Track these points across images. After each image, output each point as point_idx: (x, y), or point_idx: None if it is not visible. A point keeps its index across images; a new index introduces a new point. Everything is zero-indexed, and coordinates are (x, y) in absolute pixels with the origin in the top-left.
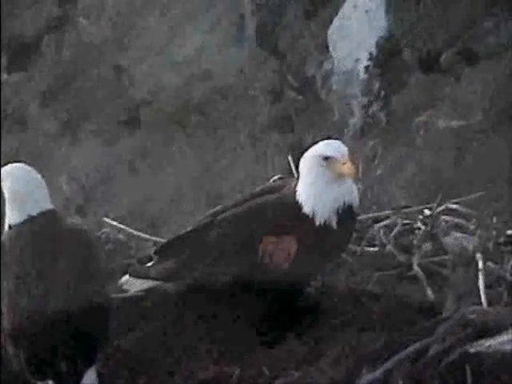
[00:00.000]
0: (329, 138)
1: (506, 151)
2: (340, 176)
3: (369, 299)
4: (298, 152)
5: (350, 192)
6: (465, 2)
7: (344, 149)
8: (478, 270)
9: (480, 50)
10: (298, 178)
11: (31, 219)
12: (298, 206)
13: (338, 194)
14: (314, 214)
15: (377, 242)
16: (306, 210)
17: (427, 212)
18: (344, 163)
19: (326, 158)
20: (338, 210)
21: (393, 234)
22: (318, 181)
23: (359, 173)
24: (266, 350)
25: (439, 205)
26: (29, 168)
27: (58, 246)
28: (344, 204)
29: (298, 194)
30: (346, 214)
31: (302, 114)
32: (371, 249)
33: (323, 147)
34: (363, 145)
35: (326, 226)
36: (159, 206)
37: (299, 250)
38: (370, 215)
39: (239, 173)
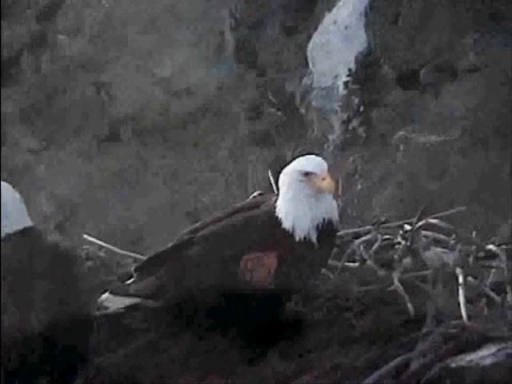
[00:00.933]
0: (309, 153)
1: (486, 166)
2: (319, 191)
3: (350, 314)
4: (278, 168)
5: (329, 207)
6: (444, 18)
7: (324, 164)
8: (458, 284)
9: (460, 65)
10: (277, 194)
11: (8, 237)
12: (277, 222)
13: (317, 210)
14: (293, 229)
15: (357, 258)
16: (286, 225)
17: (407, 227)
18: (323, 178)
19: (306, 174)
20: (318, 225)
21: (373, 249)
22: (298, 196)
23: (339, 189)
24: (248, 367)
25: (419, 220)
26: (6, 185)
27: (37, 264)
28: (324, 220)
29: (277, 209)
30: (326, 229)
31: (281, 130)
32: (352, 264)
33: (303, 162)
34: (343, 160)
35: (306, 242)
36: (140, 223)
37: (280, 266)
38: (351, 231)
39: (220, 189)
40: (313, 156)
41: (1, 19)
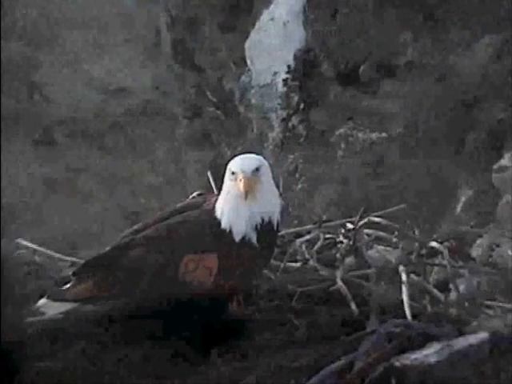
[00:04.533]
0: (248, 152)
1: (426, 164)
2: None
3: (293, 315)
4: (218, 168)
5: (268, 207)
6: (382, 15)
7: (246, 165)
8: (401, 282)
9: (398, 62)
10: (218, 194)
11: None
12: (216, 223)
13: (253, 210)
14: (231, 229)
15: (299, 257)
16: (224, 225)
17: (349, 226)
18: (240, 180)
19: (233, 173)
20: (257, 226)
21: (315, 248)
22: (230, 196)
23: (253, 192)
24: (190, 369)
25: (361, 218)
26: None
27: None
28: (262, 220)
29: (216, 209)
30: (266, 229)
31: (221, 129)
32: (294, 264)
33: (233, 160)
34: (283, 159)
35: (245, 243)
36: (78, 227)
37: (221, 267)
38: (292, 230)
39: (158, 191)
40: (246, 155)
41: (1, 21)
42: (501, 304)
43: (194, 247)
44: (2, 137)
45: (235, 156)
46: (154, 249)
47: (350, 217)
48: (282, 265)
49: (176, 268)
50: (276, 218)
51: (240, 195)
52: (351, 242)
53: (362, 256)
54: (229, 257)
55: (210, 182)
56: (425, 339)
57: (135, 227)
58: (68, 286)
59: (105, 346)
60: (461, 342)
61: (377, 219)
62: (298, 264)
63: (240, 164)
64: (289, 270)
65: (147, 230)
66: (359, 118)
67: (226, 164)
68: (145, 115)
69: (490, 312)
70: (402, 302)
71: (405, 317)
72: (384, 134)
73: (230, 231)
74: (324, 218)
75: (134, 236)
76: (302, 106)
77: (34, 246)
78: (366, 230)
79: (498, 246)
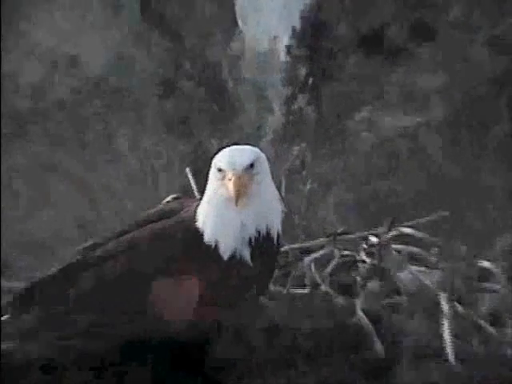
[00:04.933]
0: (236, 143)
1: (476, 155)
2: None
3: (298, 357)
4: (200, 163)
5: (265, 215)
6: None
7: (238, 159)
8: (442, 314)
9: (437, 23)
10: (201, 198)
11: None
12: (198, 236)
13: (246, 218)
14: (217, 245)
15: (307, 281)
16: (208, 239)
17: (373, 239)
18: (229, 179)
19: (220, 170)
20: (251, 239)
21: (328, 269)
22: (216, 200)
23: (246, 195)
24: None
25: (389, 229)
26: None
27: None
28: (258, 232)
29: (197, 218)
30: (263, 244)
31: (203, 112)
32: (300, 290)
33: (219, 154)
34: (286, 152)
35: (236, 262)
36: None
37: (203, 293)
38: (298, 245)
39: (121, 192)
40: (236, 147)
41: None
42: None
43: (167, 269)
44: None
45: (222, 148)
46: (117, 269)
47: (374, 227)
48: (284, 290)
49: (144, 297)
50: (276, 229)
51: (229, 199)
52: (376, 261)
53: (389, 279)
54: (214, 280)
55: (189, 182)
56: None
57: (91, 241)
58: (4, 318)
59: None
60: None
61: (409, 230)
62: (306, 290)
63: (229, 158)
64: (294, 298)
65: (108, 245)
66: (387, 97)
67: (211, 158)
68: (100, 93)
69: None
70: (443, 339)
71: (446, 360)
72: (419, 119)
73: (216, 247)
74: (340, 229)
75: (88, 253)
76: (310, 81)
77: None
78: (396, 246)
79: None
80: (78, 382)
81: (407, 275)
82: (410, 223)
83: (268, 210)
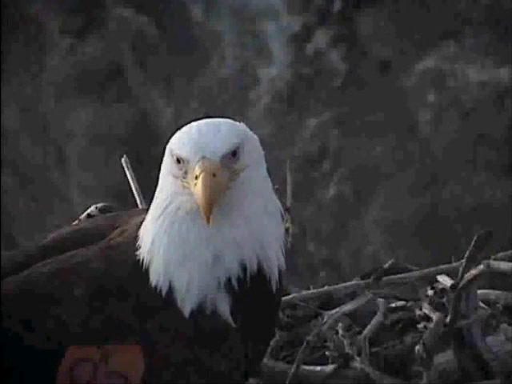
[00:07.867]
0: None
1: None
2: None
3: None
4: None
5: (256, 240)
6: None
7: (212, 143)
8: None
9: None
10: (147, 209)
11: None
12: (140, 274)
13: (223, 245)
14: (171, 289)
15: (331, 353)
16: (156, 280)
17: (443, 280)
18: (196, 177)
19: (179, 162)
20: (230, 280)
21: (366, 332)
22: (172, 212)
23: (223, 205)
24: None
25: (471, 263)
26: None
27: None
28: (243, 268)
29: (140, 243)
30: (252, 289)
31: (152, 60)
32: (318, 368)
33: (177, 134)
34: (294, 127)
35: (205, 319)
36: None
37: (150, 370)
38: (315, 292)
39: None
40: (208, 120)
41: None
42: None
43: (87, 333)
44: None
45: (186, 124)
46: (7, 331)
47: (448, 262)
48: (292, 369)
49: (52, 371)
50: (275, 262)
51: (194, 212)
52: (448, 318)
53: (473, 347)
54: (166, 353)
55: (127, 181)
56: None
57: None
58: None
59: None
60: None
61: (506, 266)
62: (329, 368)
63: (196, 141)
64: (308, 382)
65: None
66: (459, 39)
67: (166, 142)
68: None
69: None
70: None
71: None
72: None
73: (171, 294)
74: (386, 263)
75: None
76: (338, 4)
77: None
78: (483, 290)
79: None
80: None
81: (497, 340)
82: (500, 254)
83: (260, 229)
